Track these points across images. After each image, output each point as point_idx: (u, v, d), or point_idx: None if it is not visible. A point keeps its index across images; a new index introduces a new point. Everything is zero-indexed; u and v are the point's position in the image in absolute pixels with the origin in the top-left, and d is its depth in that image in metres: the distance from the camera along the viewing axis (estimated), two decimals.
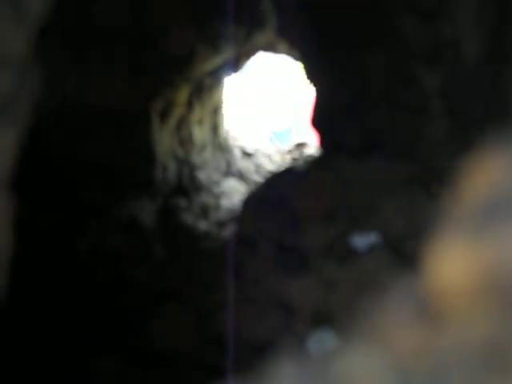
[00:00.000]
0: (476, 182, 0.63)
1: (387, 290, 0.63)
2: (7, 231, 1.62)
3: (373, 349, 0.60)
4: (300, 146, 3.98)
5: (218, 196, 3.50)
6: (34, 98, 1.63)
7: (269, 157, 3.97)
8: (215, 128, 3.70)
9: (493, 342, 0.53)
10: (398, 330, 0.60)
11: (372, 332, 0.61)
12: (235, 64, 3.48)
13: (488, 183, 0.63)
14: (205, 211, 3.41)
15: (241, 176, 3.74)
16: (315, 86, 3.22)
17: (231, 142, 3.87)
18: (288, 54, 3.43)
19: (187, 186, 3.40)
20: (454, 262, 0.58)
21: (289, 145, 4.11)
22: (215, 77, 3.44)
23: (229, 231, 3.28)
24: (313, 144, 3.75)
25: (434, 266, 0.59)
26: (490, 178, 0.63)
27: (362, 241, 2.86)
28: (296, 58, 3.39)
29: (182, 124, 3.41)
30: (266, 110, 5.79)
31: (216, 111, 3.69)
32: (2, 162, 1.56)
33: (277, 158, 3.96)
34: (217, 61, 3.30)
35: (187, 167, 3.43)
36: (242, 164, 3.82)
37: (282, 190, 3.22)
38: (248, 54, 3.44)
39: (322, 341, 2.55)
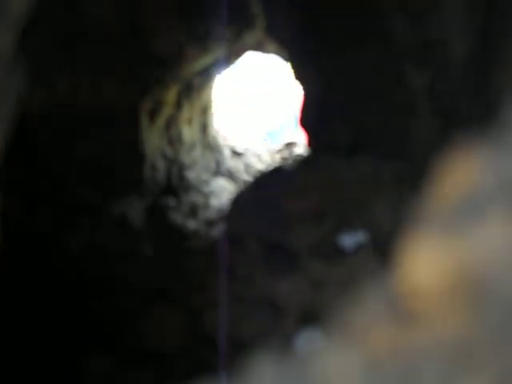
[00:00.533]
0: (452, 182, 0.64)
1: (364, 288, 0.64)
2: None
3: (349, 347, 0.61)
4: (289, 145, 3.99)
5: (207, 195, 3.51)
6: (20, 97, 1.63)
7: (258, 156, 3.98)
8: (204, 127, 3.71)
9: (463, 340, 0.54)
10: (372, 328, 0.61)
11: (349, 330, 0.62)
12: (224, 63, 3.48)
13: (464, 183, 0.63)
14: (194, 210, 3.41)
15: (230, 175, 3.74)
16: (304, 85, 3.22)
17: (221, 141, 3.87)
18: (277, 53, 3.43)
19: (176, 185, 3.40)
20: (425, 261, 0.59)
21: (279, 144, 4.12)
22: (204, 76, 3.44)
23: (218, 230, 3.28)
24: (302, 143, 3.76)
25: (407, 264, 0.60)
26: (467, 177, 0.64)
27: (350, 240, 2.87)
28: (285, 58, 3.39)
29: (171, 123, 3.42)
30: (257, 108, 5.78)
31: (205, 110, 3.69)
32: None
33: (266, 157, 3.97)
34: (206, 60, 3.30)
35: (176, 166, 3.43)
36: (231, 163, 3.83)
37: (270, 189, 3.23)
38: (237, 54, 3.44)
39: (309, 339, 2.56)
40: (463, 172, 0.66)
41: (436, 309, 0.56)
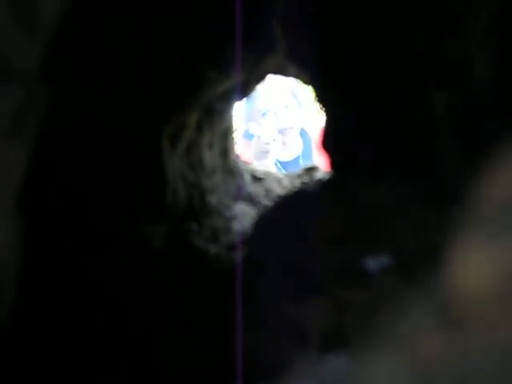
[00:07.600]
0: (503, 182, 0.62)
1: (406, 302, 0.62)
2: (15, 251, 1.61)
3: (397, 357, 0.59)
4: (310, 170, 3.97)
5: (228, 220, 3.49)
6: (44, 117, 1.62)
7: (278, 181, 3.96)
8: (225, 152, 3.71)
9: None
10: (422, 337, 0.59)
11: (395, 342, 0.60)
12: (245, 88, 3.49)
13: (508, 185, 0.62)
14: (215, 235, 3.40)
15: (251, 200, 3.73)
16: (325, 108, 3.22)
17: (241, 166, 3.87)
18: (298, 76, 3.44)
19: (198, 209, 3.39)
20: (477, 266, 0.57)
21: (298, 170, 4.09)
22: (225, 101, 3.45)
23: (239, 254, 3.27)
24: (323, 168, 3.74)
25: (458, 271, 0.58)
26: (509, 180, 0.62)
27: (374, 263, 2.84)
28: (306, 82, 3.40)
29: (192, 148, 3.42)
30: (273, 138, 5.77)
31: (226, 135, 3.69)
32: (11, 182, 1.55)
33: (286, 182, 3.95)
34: (226, 85, 3.31)
35: (197, 191, 3.43)
36: (252, 188, 3.81)
37: (292, 212, 3.21)
38: (258, 78, 3.45)
39: (334, 365, 2.52)
40: (505, 175, 0.64)
41: (487, 313, 0.54)
